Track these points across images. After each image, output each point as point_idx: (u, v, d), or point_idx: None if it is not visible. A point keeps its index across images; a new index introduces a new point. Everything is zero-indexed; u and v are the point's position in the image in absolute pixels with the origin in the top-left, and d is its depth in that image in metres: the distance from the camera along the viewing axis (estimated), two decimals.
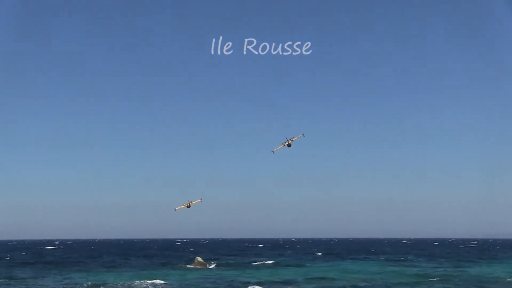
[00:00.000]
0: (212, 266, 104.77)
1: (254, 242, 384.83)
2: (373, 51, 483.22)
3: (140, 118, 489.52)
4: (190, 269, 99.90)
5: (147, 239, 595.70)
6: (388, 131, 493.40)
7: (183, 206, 60.20)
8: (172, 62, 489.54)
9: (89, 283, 71.13)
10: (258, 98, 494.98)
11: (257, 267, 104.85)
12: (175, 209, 60.20)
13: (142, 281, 73.43)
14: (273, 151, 56.73)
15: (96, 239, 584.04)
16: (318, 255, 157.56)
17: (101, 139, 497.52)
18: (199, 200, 60.68)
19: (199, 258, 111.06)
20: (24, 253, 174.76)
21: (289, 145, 56.43)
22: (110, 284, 69.59)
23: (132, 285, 68.93)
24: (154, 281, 73.10)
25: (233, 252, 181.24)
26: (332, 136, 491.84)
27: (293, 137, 56.71)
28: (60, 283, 71.60)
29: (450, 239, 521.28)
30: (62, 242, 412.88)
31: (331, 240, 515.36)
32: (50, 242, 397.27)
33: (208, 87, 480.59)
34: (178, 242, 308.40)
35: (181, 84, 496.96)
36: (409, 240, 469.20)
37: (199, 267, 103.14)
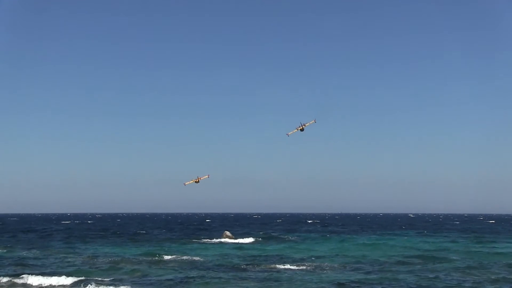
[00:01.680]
0: (241, 240, 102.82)
1: (282, 217, 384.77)
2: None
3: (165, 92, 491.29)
4: (218, 243, 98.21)
5: (176, 213, 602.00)
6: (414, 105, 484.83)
7: (192, 181, 62.32)
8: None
9: (112, 257, 69.74)
10: None
11: (286, 241, 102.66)
12: (184, 184, 62.46)
13: (165, 254, 71.69)
14: (287, 134, 59.31)
15: (120, 213, 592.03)
16: (352, 229, 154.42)
17: (128, 114, 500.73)
18: (207, 176, 63.42)
19: (227, 233, 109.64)
20: (57, 226, 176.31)
21: (302, 130, 58.87)
22: (136, 259, 68.08)
23: (157, 259, 67.36)
24: (178, 255, 71.36)
25: (262, 226, 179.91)
26: (358, 110, 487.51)
27: (306, 123, 59.50)
28: (88, 256, 70.51)
29: (482, 214, 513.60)
30: (93, 216, 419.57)
31: (357, 215, 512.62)
32: (83, 216, 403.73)
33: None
34: (209, 219, 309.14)
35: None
36: (439, 215, 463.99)
37: (228, 241, 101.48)
